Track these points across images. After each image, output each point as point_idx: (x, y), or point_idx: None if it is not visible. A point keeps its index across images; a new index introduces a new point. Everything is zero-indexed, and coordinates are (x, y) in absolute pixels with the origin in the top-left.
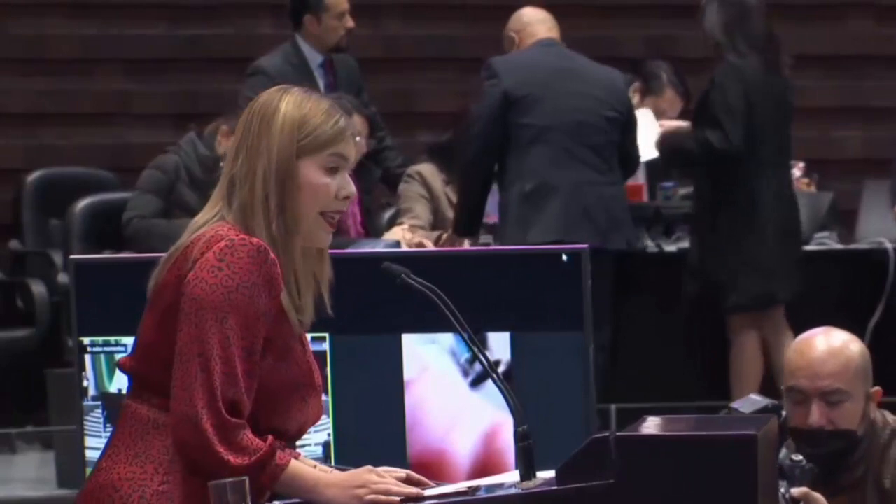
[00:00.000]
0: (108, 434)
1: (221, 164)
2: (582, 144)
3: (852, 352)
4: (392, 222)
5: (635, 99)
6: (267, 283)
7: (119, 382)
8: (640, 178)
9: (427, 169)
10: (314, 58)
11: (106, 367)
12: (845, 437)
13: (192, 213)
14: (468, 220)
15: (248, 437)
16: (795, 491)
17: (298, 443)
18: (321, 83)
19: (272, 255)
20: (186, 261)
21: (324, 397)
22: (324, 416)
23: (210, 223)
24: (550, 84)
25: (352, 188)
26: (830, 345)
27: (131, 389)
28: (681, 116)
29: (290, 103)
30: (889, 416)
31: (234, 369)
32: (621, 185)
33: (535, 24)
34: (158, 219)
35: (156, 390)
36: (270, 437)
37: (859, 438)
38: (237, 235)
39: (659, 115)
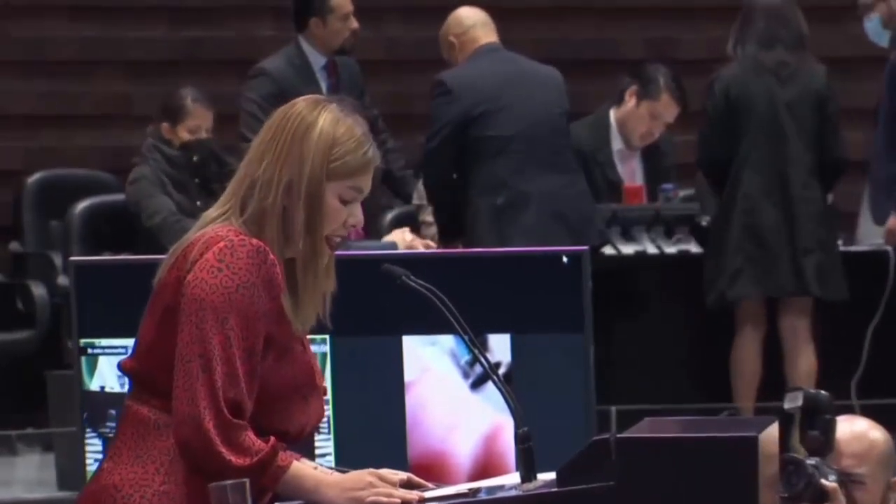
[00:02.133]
0: (90, 433)
1: (195, 157)
2: (543, 150)
3: (875, 437)
4: (400, 221)
5: (631, 103)
6: (266, 283)
7: (100, 380)
8: (637, 179)
9: None
10: (317, 60)
11: (86, 365)
12: None
13: (188, 214)
14: (451, 226)
15: (250, 437)
16: (828, 484)
17: (317, 452)
18: (323, 85)
19: (272, 256)
20: (186, 261)
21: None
22: (328, 417)
23: (217, 222)
24: (505, 94)
25: (360, 218)
26: (853, 429)
27: (132, 391)
28: (677, 121)
29: (327, 120)
30: None
31: (236, 370)
32: (583, 181)
33: (477, 27)
34: (183, 217)
35: (156, 391)
36: (272, 439)
37: None
38: (237, 236)
39: (655, 119)
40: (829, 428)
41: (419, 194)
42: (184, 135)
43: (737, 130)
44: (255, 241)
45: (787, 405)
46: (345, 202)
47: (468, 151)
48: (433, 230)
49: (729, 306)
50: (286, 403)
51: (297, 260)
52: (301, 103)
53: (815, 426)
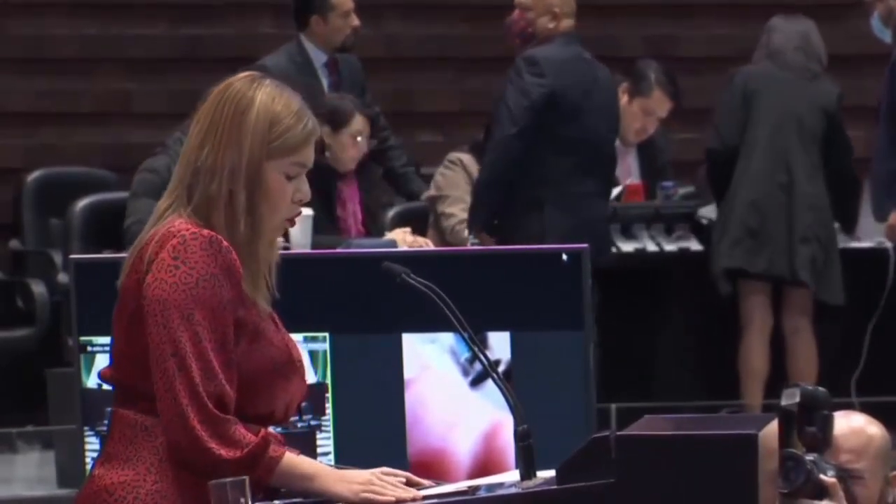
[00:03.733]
0: (87, 431)
1: None
2: (596, 158)
3: (873, 432)
4: (402, 218)
5: (623, 99)
6: (225, 271)
7: (97, 377)
8: (634, 176)
9: (467, 158)
10: (318, 57)
11: (84, 362)
12: None
13: None
14: (491, 216)
15: (239, 430)
16: (827, 480)
17: (319, 450)
18: (325, 82)
19: (225, 244)
20: (142, 262)
21: (325, 395)
22: (328, 415)
23: (167, 214)
24: (586, 96)
25: (306, 191)
26: (851, 424)
27: (117, 397)
28: (675, 119)
29: (264, 96)
30: None
31: (210, 363)
32: (609, 193)
33: (572, 13)
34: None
35: (138, 395)
36: (263, 430)
37: None
38: (188, 230)
39: (648, 115)
40: (827, 424)
41: (436, 185)
42: None
43: (749, 120)
44: (206, 231)
45: (784, 402)
46: (290, 178)
47: (534, 139)
48: (452, 221)
49: (735, 294)
50: (268, 385)
51: (241, 240)
52: (236, 83)
53: (812, 422)
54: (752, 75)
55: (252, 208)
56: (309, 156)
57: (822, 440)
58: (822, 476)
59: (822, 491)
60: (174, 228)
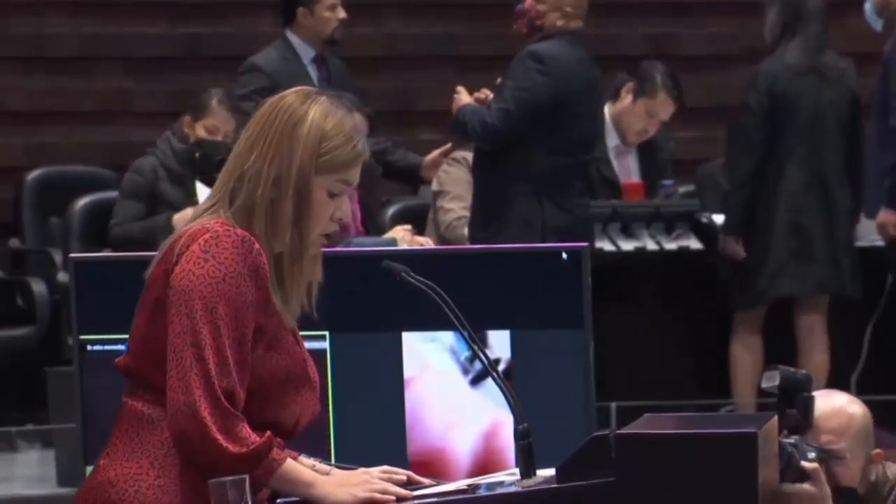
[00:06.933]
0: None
1: (197, 154)
2: (585, 161)
3: (854, 412)
4: (402, 216)
5: (627, 99)
6: (253, 272)
7: (98, 376)
8: (634, 175)
9: (472, 157)
10: (306, 52)
11: (84, 361)
12: (846, 495)
13: (178, 208)
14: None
15: (246, 429)
16: (808, 465)
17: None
18: (314, 77)
19: (257, 246)
20: (172, 254)
21: (325, 394)
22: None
23: (205, 214)
24: (583, 99)
25: (347, 211)
26: (832, 404)
27: (128, 388)
28: (677, 118)
29: (317, 114)
30: (891, 471)
31: (227, 359)
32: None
33: (582, 15)
34: (135, 222)
35: (150, 386)
36: (269, 433)
37: (860, 497)
38: (222, 227)
39: (651, 117)
40: (808, 406)
41: (439, 181)
42: (200, 132)
43: (778, 127)
44: (240, 231)
45: (764, 384)
46: (332, 195)
47: (532, 138)
48: (450, 216)
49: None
50: (278, 394)
51: (285, 253)
52: (291, 96)
53: (793, 405)
54: (778, 79)
55: (298, 220)
56: (355, 175)
57: (804, 422)
58: (803, 462)
59: (804, 475)
60: (208, 225)
